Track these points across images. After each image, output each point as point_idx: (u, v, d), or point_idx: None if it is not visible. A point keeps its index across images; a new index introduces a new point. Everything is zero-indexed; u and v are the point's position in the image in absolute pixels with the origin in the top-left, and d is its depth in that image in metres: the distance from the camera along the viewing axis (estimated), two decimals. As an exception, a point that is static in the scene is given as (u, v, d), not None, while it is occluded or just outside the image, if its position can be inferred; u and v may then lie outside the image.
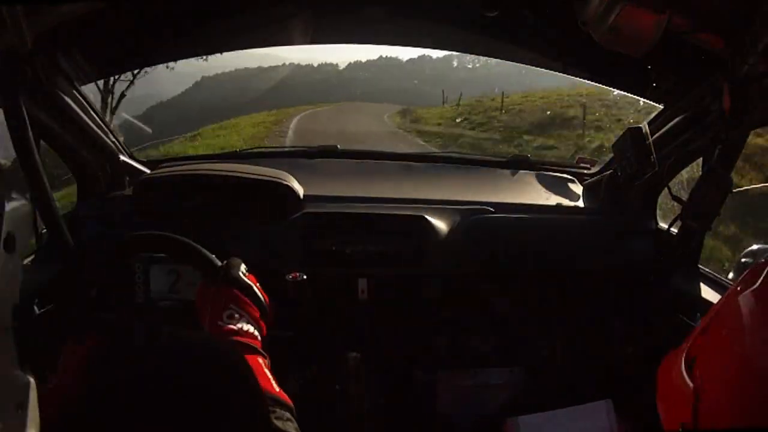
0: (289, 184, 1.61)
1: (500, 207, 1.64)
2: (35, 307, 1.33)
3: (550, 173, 2.00)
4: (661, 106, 1.57)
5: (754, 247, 1.51)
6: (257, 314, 1.00)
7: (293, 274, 1.37)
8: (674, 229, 1.54)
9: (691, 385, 0.72)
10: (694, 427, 0.70)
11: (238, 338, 0.94)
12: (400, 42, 1.73)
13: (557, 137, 11.98)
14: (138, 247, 1.11)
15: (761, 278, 0.69)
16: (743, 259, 1.51)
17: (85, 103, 1.53)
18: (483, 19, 1.35)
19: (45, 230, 1.45)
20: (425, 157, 2.18)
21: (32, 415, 0.69)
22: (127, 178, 1.72)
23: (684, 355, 0.80)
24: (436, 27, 1.54)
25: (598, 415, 1.44)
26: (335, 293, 1.52)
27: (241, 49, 1.73)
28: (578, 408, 1.47)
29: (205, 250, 1.04)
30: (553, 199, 1.76)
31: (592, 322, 1.68)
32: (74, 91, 1.49)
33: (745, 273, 0.77)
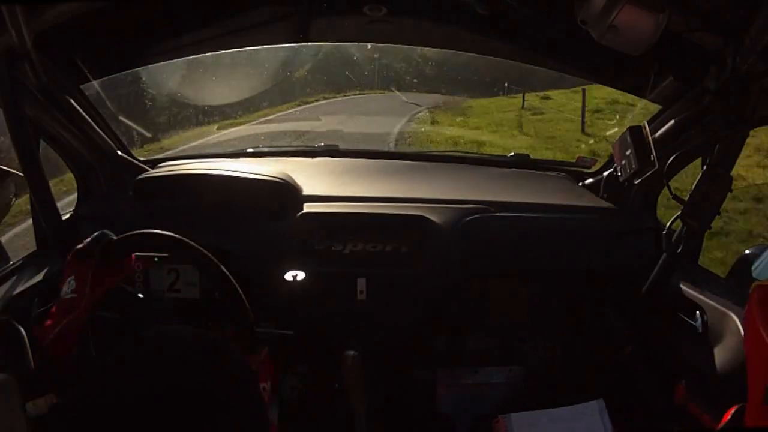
0: (289, 183, 1.61)
1: (500, 206, 1.64)
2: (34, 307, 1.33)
3: (550, 172, 2.00)
4: (661, 106, 1.57)
5: (755, 247, 1.50)
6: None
7: (293, 273, 1.37)
8: (674, 229, 1.54)
9: None
10: None
11: None
12: (399, 41, 1.73)
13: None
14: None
15: None
16: (746, 252, 1.51)
17: (85, 102, 1.54)
18: (482, 18, 1.35)
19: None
20: (425, 156, 2.18)
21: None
22: (127, 178, 1.72)
23: None
24: (434, 26, 1.54)
25: (590, 415, 1.45)
26: (334, 293, 1.52)
27: (241, 47, 1.73)
28: (571, 408, 1.47)
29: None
30: (553, 199, 1.75)
31: (591, 322, 1.68)
32: (74, 91, 1.49)
33: None
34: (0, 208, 1.05)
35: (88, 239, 1.13)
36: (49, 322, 1.03)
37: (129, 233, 1.14)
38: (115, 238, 1.13)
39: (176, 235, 1.12)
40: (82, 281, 1.07)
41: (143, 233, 1.13)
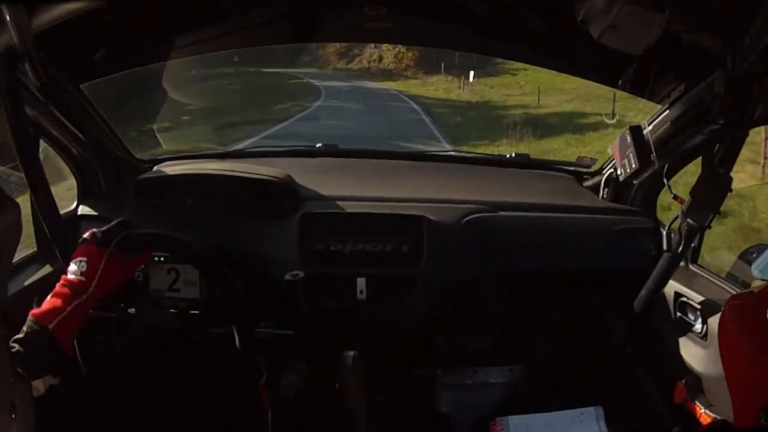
0: (288, 183, 1.61)
1: (500, 206, 1.64)
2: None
3: (550, 172, 2.00)
4: (661, 106, 1.56)
5: (755, 246, 1.50)
6: None
7: (292, 273, 1.37)
8: (674, 229, 1.54)
9: None
10: None
11: None
12: (399, 41, 1.73)
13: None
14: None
15: None
16: (746, 251, 1.51)
17: (84, 102, 1.53)
18: (482, 18, 1.35)
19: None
20: (425, 156, 2.18)
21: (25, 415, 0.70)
22: (127, 178, 1.72)
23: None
24: (434, 26, 1.54)
25: (588, 421, 1.45)
26: (334, 292, 1.52)
27: (241, 47, 1.73)
28: (569, 412, 1.47)
29: None
30: (553, 199, 1.75)
31: (591, 322, 1.68)
32: (74, 91, 1.49)
33: None
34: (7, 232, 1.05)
35: (109, 225, 1.15)
36: (55, 301, 1.03)
37: (149, 231, 1.18)
38: (136, 231, 1.15)
39: (194, 244, 1.15)
40: (93, 266, 1.07)
41: (164, 234, 1.16)
